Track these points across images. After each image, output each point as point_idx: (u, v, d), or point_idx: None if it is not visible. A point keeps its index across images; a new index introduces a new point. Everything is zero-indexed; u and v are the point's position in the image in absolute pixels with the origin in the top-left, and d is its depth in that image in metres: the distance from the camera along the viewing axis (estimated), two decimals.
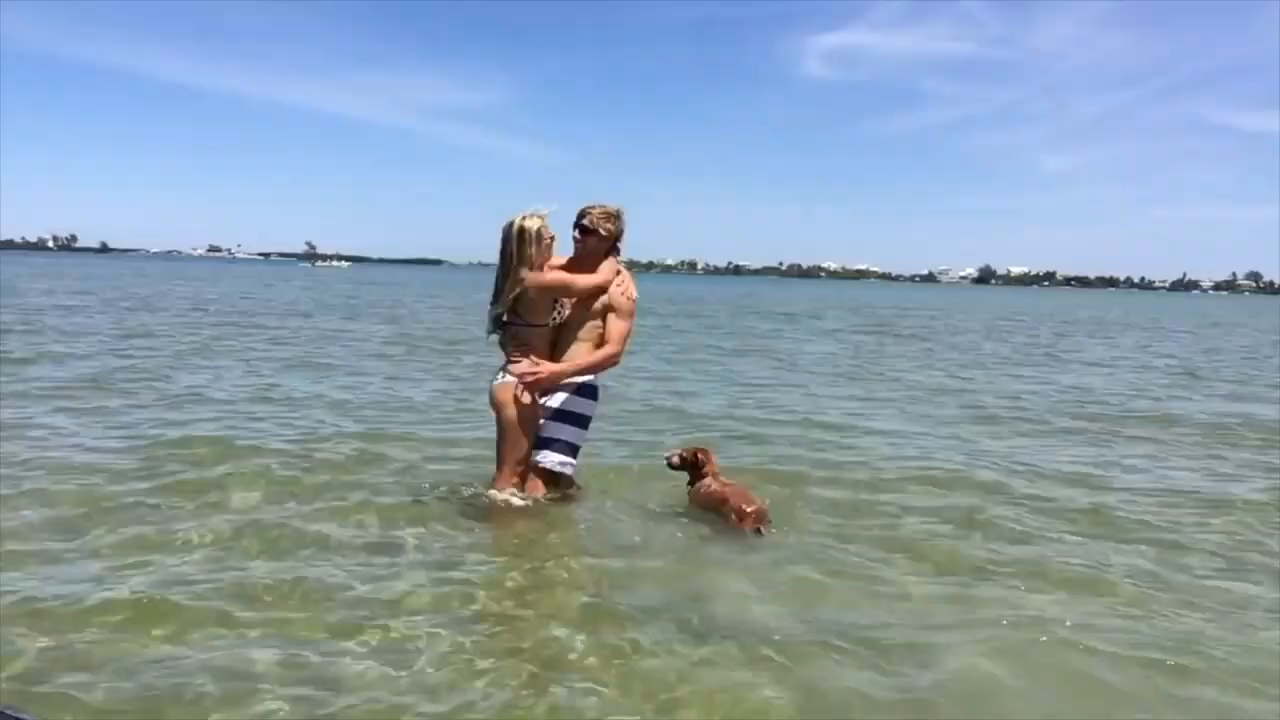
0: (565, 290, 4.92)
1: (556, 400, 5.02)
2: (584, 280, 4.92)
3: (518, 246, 4.78)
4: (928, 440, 7.76)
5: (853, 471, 6.33)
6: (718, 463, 5.25)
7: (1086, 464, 6.90)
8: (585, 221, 4.95)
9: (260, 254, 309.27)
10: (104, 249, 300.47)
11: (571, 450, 5.04)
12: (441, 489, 5.35)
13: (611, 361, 5.02)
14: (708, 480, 5.11)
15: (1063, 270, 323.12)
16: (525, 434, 4.95)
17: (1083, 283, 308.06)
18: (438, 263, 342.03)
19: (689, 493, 5.18)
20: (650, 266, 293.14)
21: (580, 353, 4.99)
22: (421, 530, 4.63)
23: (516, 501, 4.94)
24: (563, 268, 4.98)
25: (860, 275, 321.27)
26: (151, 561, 4.03)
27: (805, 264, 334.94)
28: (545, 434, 5.00)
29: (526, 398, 4.88)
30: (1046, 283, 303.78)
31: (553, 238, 4.89)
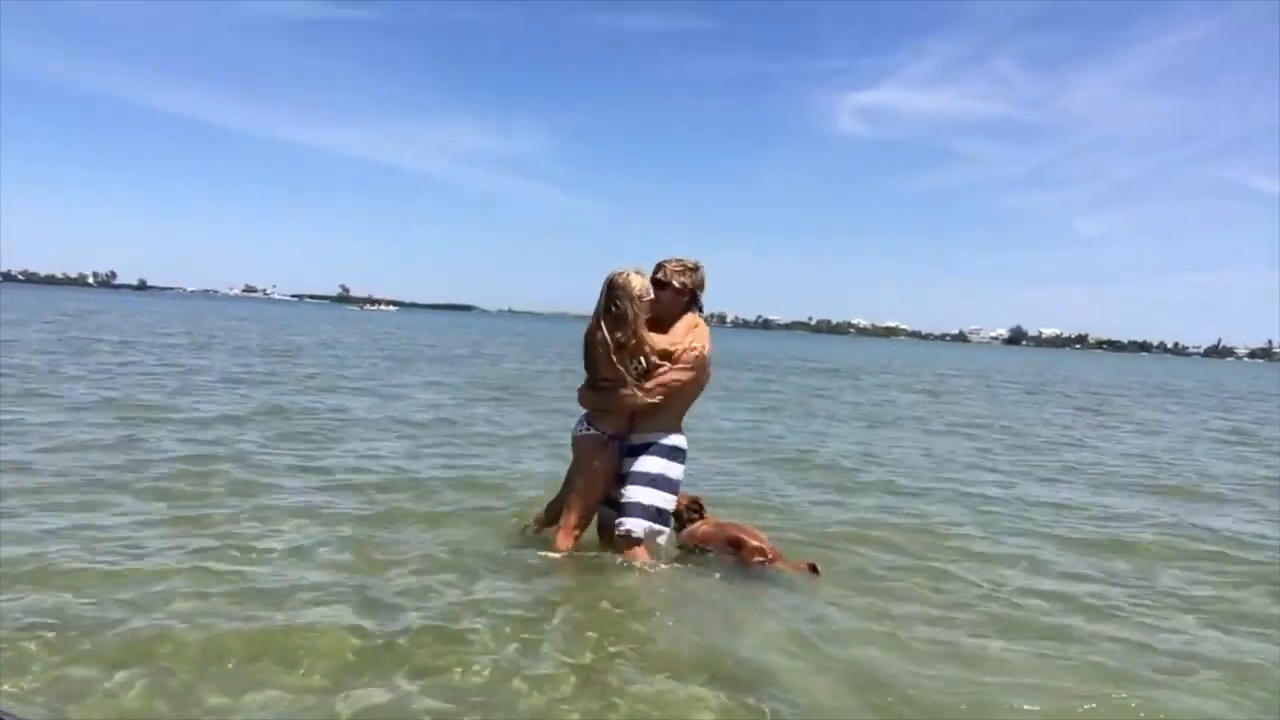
0: (659, 352, 4.83)
1: (640, 464, 4.89)
2: (661, 342, 4.85)
3: (629, 303, 4.73)
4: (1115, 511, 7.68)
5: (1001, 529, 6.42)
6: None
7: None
8: (659, 275, 4.90)
9: (295, 295, 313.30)
10: (142, 286, 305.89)
11: (652, 514, 4.85)
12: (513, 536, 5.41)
13: (633, 399, 4.77)
14: (699, 523, 5.21)
15: (1095, 333, 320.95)
16: (598, 486, 4.93)
17: (1115, 346, 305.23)
18: (469, 308, 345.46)
19: (679, 535, 5.21)
20: None
21: (656, 412, 4.89)
22: (479, 578, 4.61)
23: (561, 549, 4.92)
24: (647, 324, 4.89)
25: (890, 333, 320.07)
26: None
27: (835, 319, 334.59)
28: (626, 499, 4.87)
29: (605, 452, 4.89)
30: (1079, 345, 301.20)
31: (647, 294, 4.84)
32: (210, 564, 4.55)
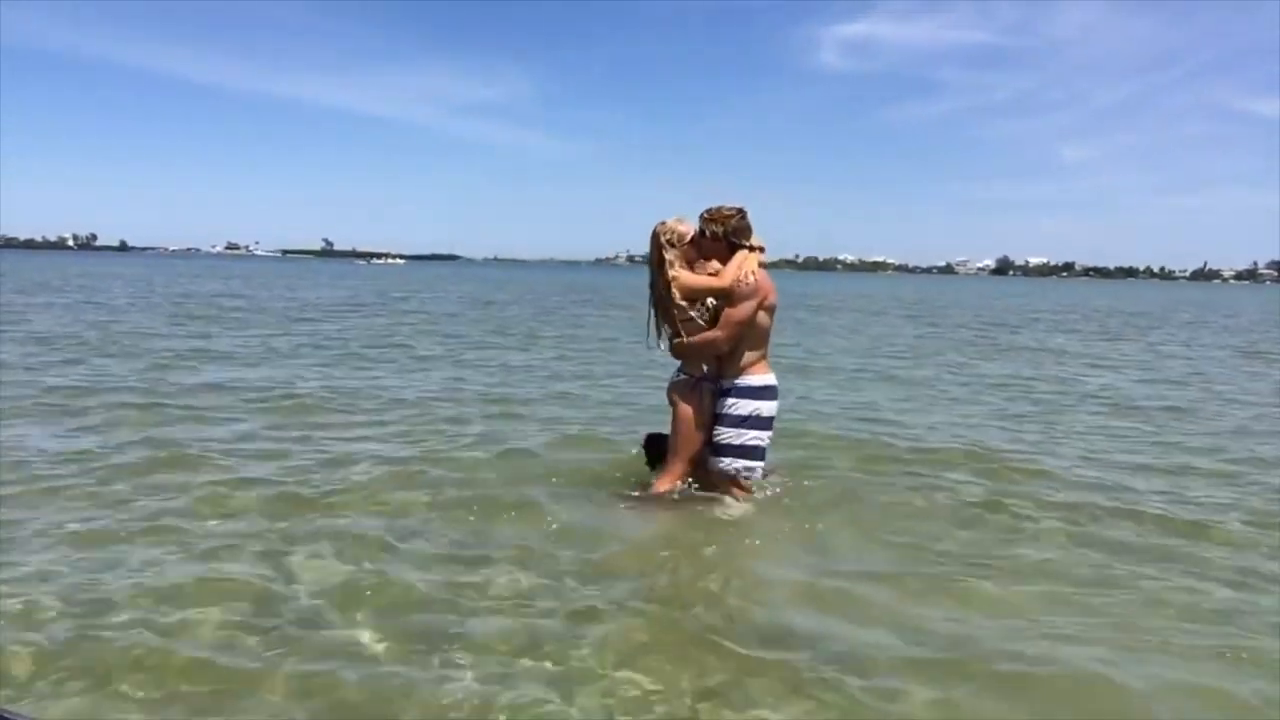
0: (704, 294, 5.03)
1: (731, 405, 5.10)
2: (710, 283, 5.02)
3: (657, 250, 5.02)
4: None
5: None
6: None
7: None
8: (700, 224, 5.10)
9: (278, 251, 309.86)
10: (123, 247, 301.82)
11: (742, 451, 5.11)
12: (606, 481, 5.68)
13: (712, 343, 5.02)
14: None
15: (1081, 261, 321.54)
16: (696, 431, 5.12)
17: (1102, 273, 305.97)
18: (454, 258, 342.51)
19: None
20: None
21: (735, 353, 5.09)
22: (578, 520, 4.89)
23: (672, 495, 5.17)
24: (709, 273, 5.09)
25: (877, 267, 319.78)
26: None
27: (821, 256, 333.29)
28: (718, 438, 5.12)
29: (695, 395, 5.11)
30: (1065, 274, 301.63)
31: (683, 238, 5.04)
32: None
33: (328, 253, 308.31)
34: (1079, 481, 6.11)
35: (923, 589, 4.08)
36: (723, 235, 5.04)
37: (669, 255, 4.99)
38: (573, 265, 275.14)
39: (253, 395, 8.71)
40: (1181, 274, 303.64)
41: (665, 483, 5.20)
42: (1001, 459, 6.68)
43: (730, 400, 5.11)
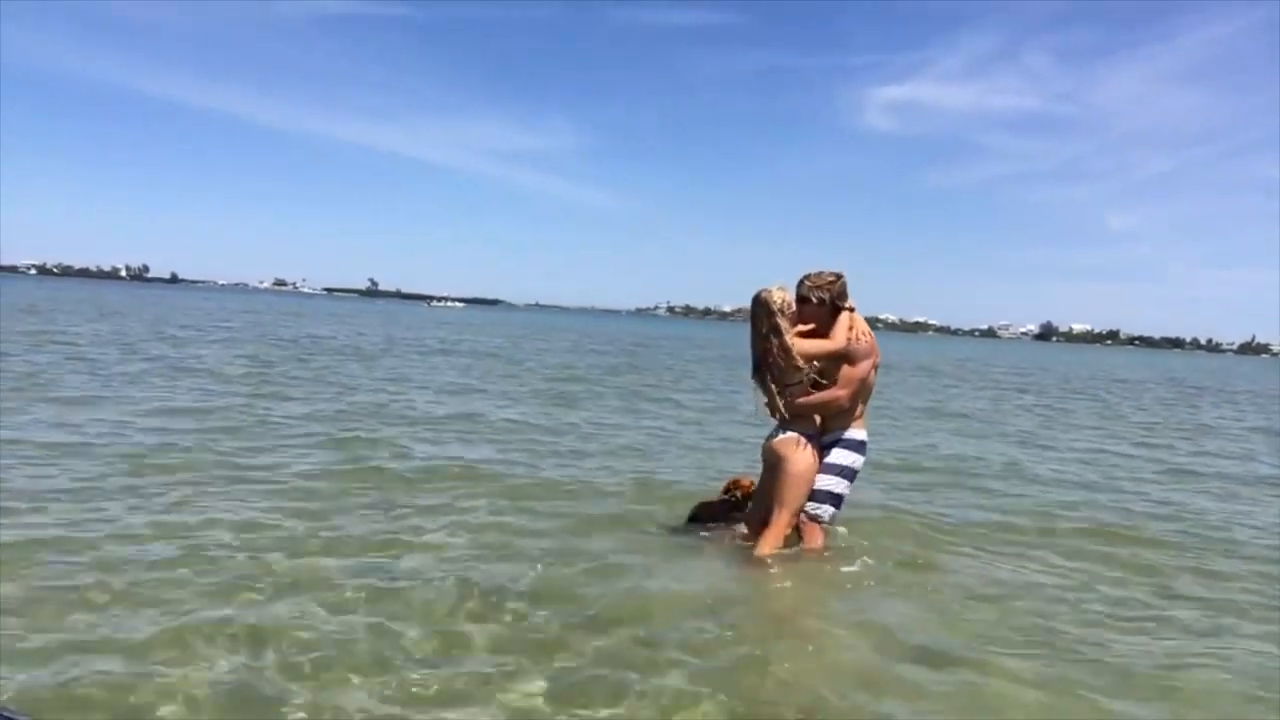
0: (820, 356, 5.18)
1: (834, 456, 5.27)
2: (827, 346, 5.19)
3: (769, 317, 5.15)
4: None
5: None
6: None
7: None
8: (800, 291, 5.28)
9: (325, 289, 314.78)
10: (174, 280, 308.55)
11: (836, 501, 5.32)
12: (707, 533, 5.70)
13: (835, 401, 5.18)
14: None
15: (1126, 329, 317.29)
16: (804, 485, 5.19)
17: (1147, 342, 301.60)
18: (496, 303, 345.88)
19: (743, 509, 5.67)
20: (707, 313, 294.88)
21: (844, 409, 5.25)
22: (688, 578, 4.89)
23: (783, 551, 5.20)
24: (802, 335, 5.25)
25: (918, 328, 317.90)
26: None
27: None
28: (819, 486, 5.24)
29: (809, 451, 5.18)
30: (1110, 341, 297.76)
31: (792, 306, 5.22)
32: None
33: (373, 292, 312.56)
34: (1206, 557, 6.05)
35: (1012, 674, 3.80)
36: (828, 300, 5.25)
37: (782, 322, 5.13)
38: (613, 314, 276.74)
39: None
40: (1229, 346, 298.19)
41: (770, 544, 5.20)
42: (1105, 529, 6.60)
43: (836, 450, 5.30)
